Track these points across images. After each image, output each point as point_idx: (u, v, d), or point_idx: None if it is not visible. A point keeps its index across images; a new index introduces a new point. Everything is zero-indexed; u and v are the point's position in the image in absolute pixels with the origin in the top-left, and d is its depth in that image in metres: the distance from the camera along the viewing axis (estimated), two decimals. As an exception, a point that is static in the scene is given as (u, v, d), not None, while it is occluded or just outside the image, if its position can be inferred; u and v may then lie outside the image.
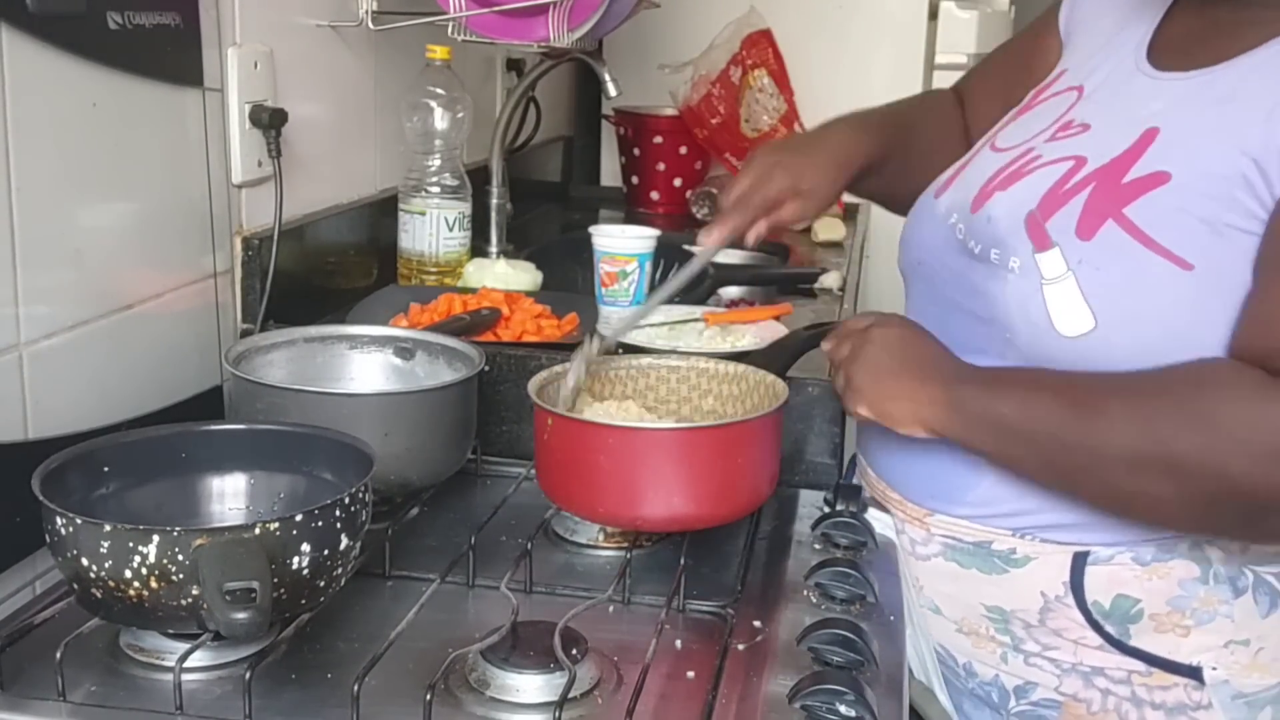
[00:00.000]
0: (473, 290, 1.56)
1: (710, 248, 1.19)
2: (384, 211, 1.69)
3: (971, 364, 1.03)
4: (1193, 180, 0.94)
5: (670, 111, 2.53)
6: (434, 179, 1.65)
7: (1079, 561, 1.01)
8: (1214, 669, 1.00)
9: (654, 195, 2.54)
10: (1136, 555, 1.00)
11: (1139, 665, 1.02)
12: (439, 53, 1.63)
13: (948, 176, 1.17)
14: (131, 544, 0.85)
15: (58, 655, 0.88)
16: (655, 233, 1.69)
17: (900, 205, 1.27)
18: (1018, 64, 1.27)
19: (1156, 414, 0.91)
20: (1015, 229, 1.00)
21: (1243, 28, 0.98)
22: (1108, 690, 1.03)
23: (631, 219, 2.38)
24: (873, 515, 1.22)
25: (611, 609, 1.05)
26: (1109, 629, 1.02)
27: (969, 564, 1.08)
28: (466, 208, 1.68)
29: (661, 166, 2.52)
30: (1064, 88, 1.12)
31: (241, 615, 0.81)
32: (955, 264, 1.08)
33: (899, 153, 1.27)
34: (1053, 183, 1.01)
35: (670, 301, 1.30)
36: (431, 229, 1.64)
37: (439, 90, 1.64)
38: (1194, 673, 1.01)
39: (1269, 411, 0.87)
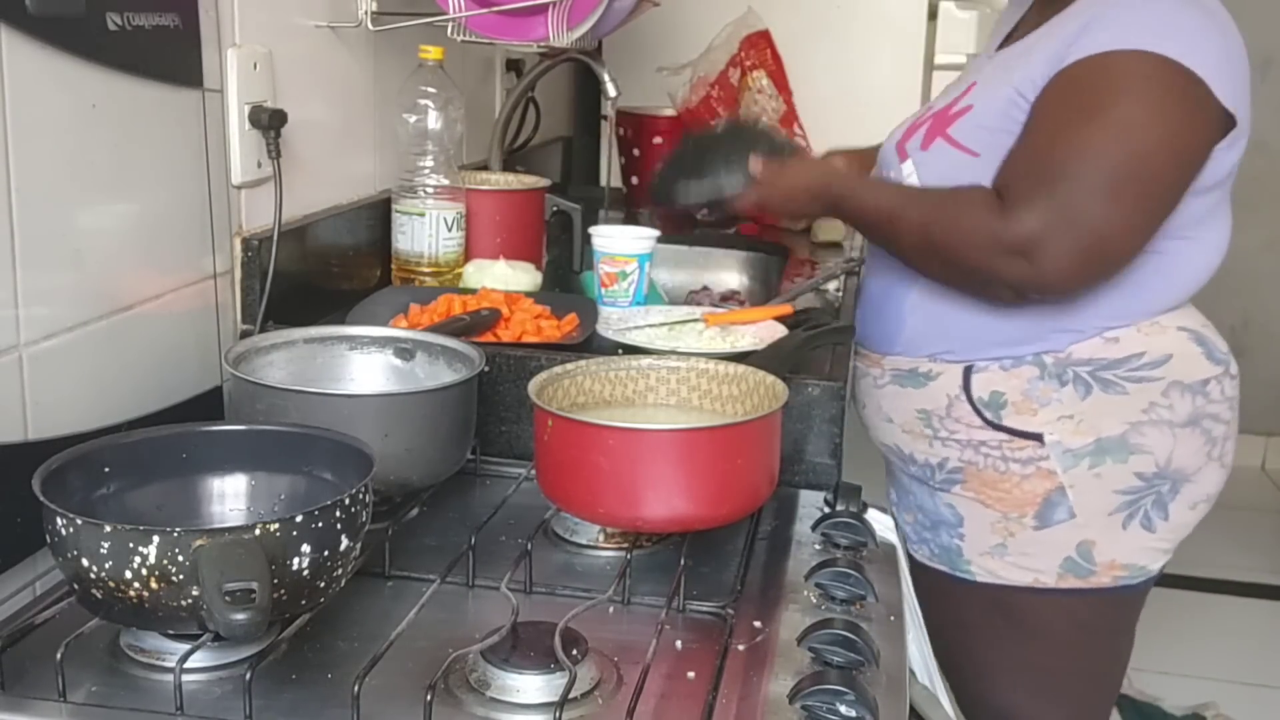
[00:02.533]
0: (472, 291, 1.56)
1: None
2: (384, 212, 1.69)
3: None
4: (985, 107, 1.45)
5: (670, 112, 2.53)
6: (428, 179, 1.65)
7: (967, 373, 1.51)
8: (1051, 434, 1.47)
9: (654, 196, 2.54)
10: (1000, 364, 1.48)
11: (1005, 436, 1.49)
12: (432, 53, 1.63)
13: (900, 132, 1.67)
14: (132, 544, 0.85)
15: (58, 656, 0.88)
16: (655, 233, 1.70)
17: None
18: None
19: (932, 210, 1.45)
20: (891, 152, 1.58)
21: (1048, 7, 1.49)
22: (987, 454, 1.51)
23: (631, 219, 2.37)
24: (873, 515, 1.22)
25: (611, 609, 1.06)
26: (987, 414, 1.50)
27: (906, 384, 1.57)
28: (463, 208, 1.68)
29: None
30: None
31: (241, 616, 0.81)
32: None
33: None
34: (912, 123, 1.58)
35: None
36: (431, 229, 1.64)
37: (432, 90, 1.63)
38: (1038, 438, 1.47)
39: (987, 217, 1.36)
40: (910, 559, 1.58)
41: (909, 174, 1.52)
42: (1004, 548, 1.52)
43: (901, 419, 1.58)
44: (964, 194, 1.41)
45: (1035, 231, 1.32)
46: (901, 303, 1.55)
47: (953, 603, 1.58)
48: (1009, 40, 1.59)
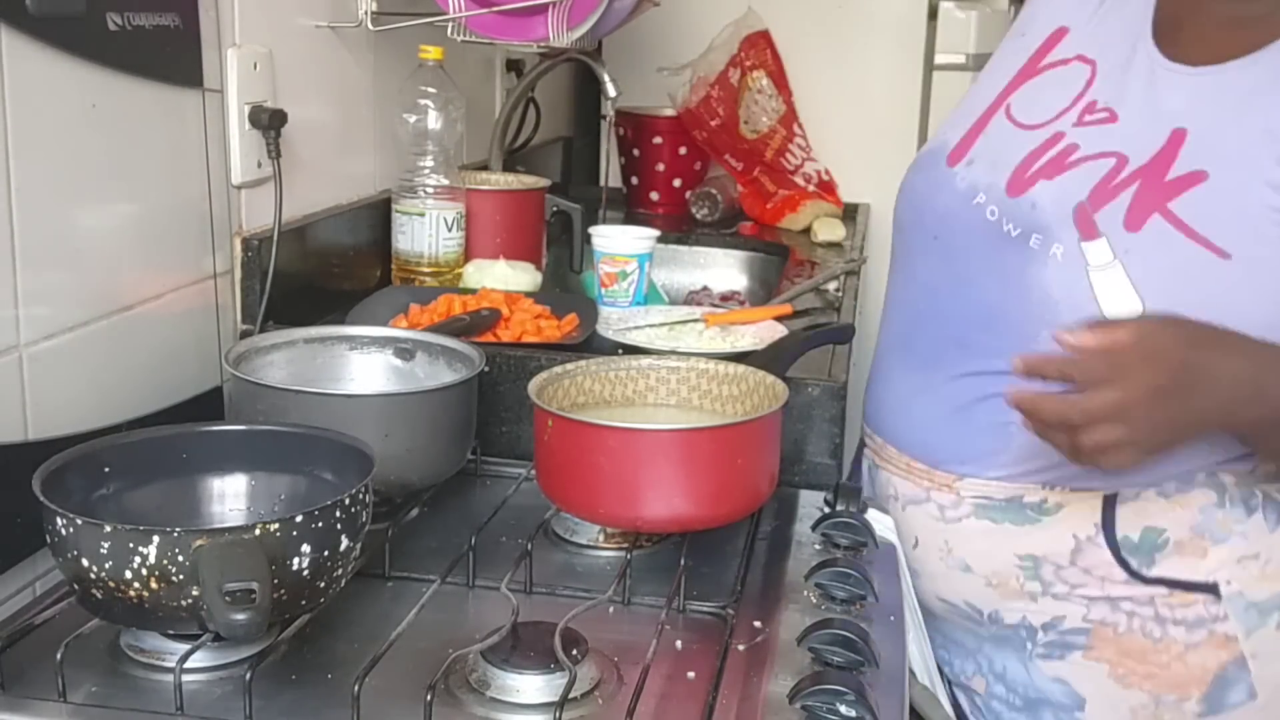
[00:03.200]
0: (472, 291, 1.56)
1: None
2: (384, 212, 1.69)
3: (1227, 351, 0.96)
4: (1228, 181, 1.01)
5: (670, 112, 2.53)
6: (428, 179, 1.65)
7: (1109, 502, 1.07)
8: (1229, 583, 1.07)
9: (654, 196, 2.54)
10: (1161, 490, 1.07)
11: (1161, 589, 1.09)
12: (432, 53, 1.63)
13: (958, 139, 1.20)
14: (132, 545, 0.85)
15: (58, 656, 0.88)
16: (655, 233, 1.70)
17: None
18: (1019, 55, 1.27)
19: None
20: (1063, 219, 1.06)
21: (1247, 22, 1.06)
22: (1133, 612, 1.09)
23: (631, 219, 2.38)
24: (873, 515, 1.22)
25: (612, 609, 1.05)
26: (1133, 563, 1.08)
27: (1001, 519, 1.12)
28: (463, 208, 1.68)
29: (661, 167, 2.52)
30: (1070, 56, 1.16)
31: (241, 616, 0.81)
32: (984, 243, 1.12)
33: None
34: (1100, 178, 1.07)
35: None
36: (431, 229, 1.64)
37: (432, 90, 1.63)
38: (1211, 589, 1.08)
39: None
40: None
41: (1103, 262, 1.03)
42: None
43: (989, 568, 1.14)
44: None
45: None
46: (1008, 407, 0.99)
47: None
48: (1165, 26, 1.11)
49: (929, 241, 1.19)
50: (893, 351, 1.25)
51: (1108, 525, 1.09)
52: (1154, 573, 1.09)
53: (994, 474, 1.13)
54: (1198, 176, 1.03)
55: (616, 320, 1.57)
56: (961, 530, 1.16)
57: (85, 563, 0.87)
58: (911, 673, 1.11)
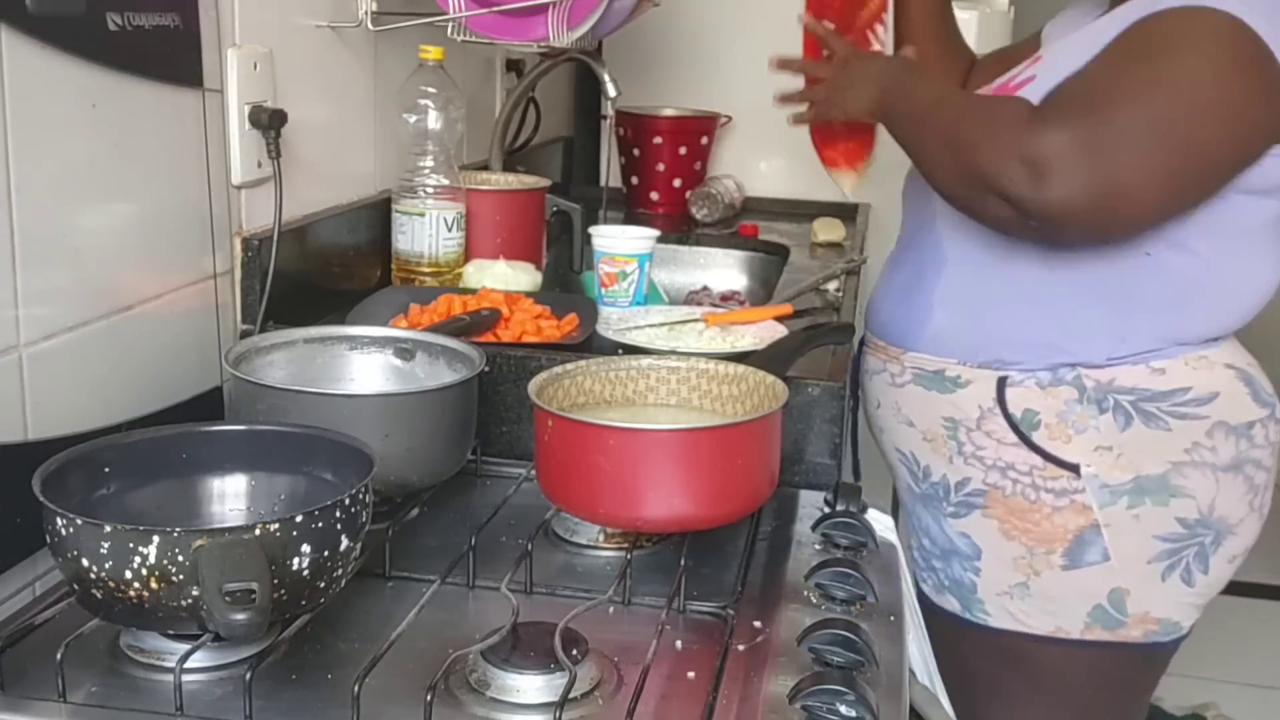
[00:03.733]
0: (472, 291, 1.56)
1: None
2: (384, 212, 1.69)
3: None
4: (1049, 78, 1.34)
5: (670, 112, 2.53)
6: (428, 179, 1.65)
7: (1001, 383, 1.40)
8: (1087, 466, 1.36)
9: (654, 196, 2.54)
10: (1038, 380, 1.38)
11: (1038, 460, 1.38)
12: (432, 53, 1.63)
13: None
14: (132, 545, 0.85)
15: (58, 656, 0.88)
16: (655, 233, 1.70)
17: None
18: (1007, 60, 1.61)
19: (969, 108, 1.36)
20: None
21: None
22: (1016, 479, 1.39)
23: (631, 219, 2.37)
24: (873, 515, 1.22)
25: (612, 610, 1.06)
26: (1021, 430, 1.38)
27: (930, 387, 1.45)
28: (463, 208, 1.68)
29: (661, 167, 2.52)
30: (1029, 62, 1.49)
31: (241, 616, 0.81)
32: (914, 173, 1.49)
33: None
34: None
35: None
36: (431, 229, 1.64)
37: (432, 90, 1.63)
38: (1073, 468, 1.37)
39: (1016, 122, 1.24)
40: (918, 593, 1.46)
41: None
42: (1025, 588, 1.40)
43: (925, 425, 1.45)
44: (1005, 101, 1.33)
45: (1055, 149, 1.19)
46: (930, 292, 1.44)
47: (958, 647, 1.44)
48: None
49: (908, 192, 1.57)
50: (884, 266, 1.59)
51: (1001, 400, 1.39)
52: (1035, 441, 1.38)
53: (922, 345, 1.45)
54: (1029, 80, 1.37)
55: (616, 320, 1.57)
56: (905, 393, 1.47)
57: (85, 563, 0.87)
58: (911, 673, 1.12)
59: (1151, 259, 1.32)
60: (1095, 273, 1.34)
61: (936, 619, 1.43)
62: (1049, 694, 1.44)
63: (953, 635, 1.44)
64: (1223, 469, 1.37)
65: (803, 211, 2.42)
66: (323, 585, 0.92)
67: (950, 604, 1.46)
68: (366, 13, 1.59)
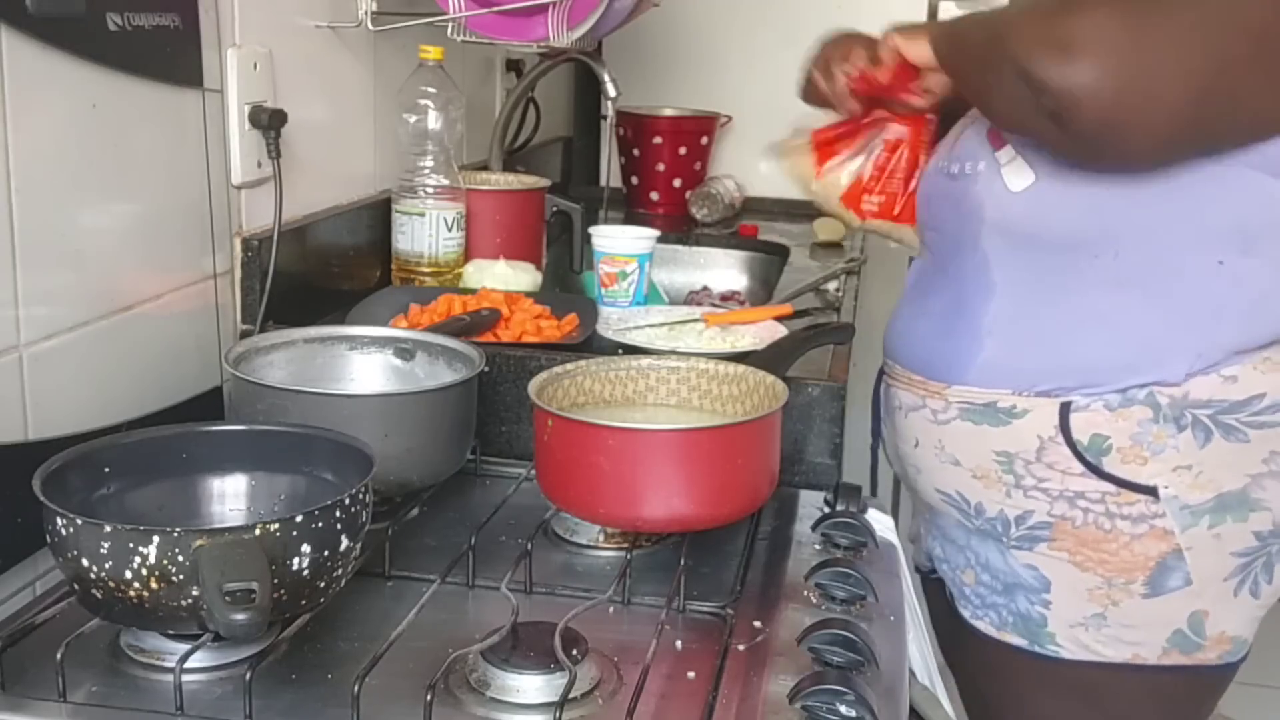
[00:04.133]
0: (472, 291, 1.56)
1: None
2: (384, 212, 1.69)
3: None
4: None
5: (670, 112, 2.53)
6: (428, 179, 1.65)
7: (1064, 410, 1.28)
8: (1166, 487, 1.27)
9: (654, 196, 2.54)
10: (1106, 403, 1.27)
11: (1110, 487, 1.28)
12: (432, 53, 1.63)
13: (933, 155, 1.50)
14: (132, 544, 0.85)
15: (58, 655, 0.88)
16: (655, 233, 1.70)
17: None
18: None
19: (1006, 31, 1.21)
20: (981, 141, 1.33)
21: None
22: (1087, 509, 1.30)
23: (631, 219, 2.38)
24: (873, 515, 1.22)
25: (611, 609, 1.05)
26: (1089, 459, 1.28)
27: (980, 421, 1.33)
28: (463, 208, 1.68)
29: (661, 167, 2.52)
30: None
31: (241, 616, 0.81)
32: (941, 193, 1.40)
33: None
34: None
35: None
36: (431, 229, 1.64)
37: (432, 90, 1.63)
38: (1151, 491, 1.27)
39: (1051, 5, 1.16)
40: (968, 629, 1.39)
41: (1009, 159, 1.30)
42: (1103, 618, 1.31)
43: (974, 462, 1.34)
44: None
45: (1087, 32, 1.11)
46: (977, 321, 1.31)
47: (1021, 682, 1.37)
48: None
49: (925, 226, 1.46)
50: (907, 291, 1.48)
51: (1064, 428, 1.29)
52: (1106, 469, 1.28)
53: (969, 378, 1.34)
54: None
55: (616, 320, 1.57)
56: (950, 430, 1.36)
57: (85, 563, 0.87)
58: (911, 673, 1.12)
59: (1225, 267, 1.23)
60: (1170, 288, 1.25)
61: (997, 655, 1.36)
62: None
63: (1016, 670, 1.37)
64: None
65: (803, 211, 2.42)
66: (323, 585, 0.92)
67: (1013, 640, 1.36)
68: (366, 13, 1.59)
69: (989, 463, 1.33)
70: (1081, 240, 1.25)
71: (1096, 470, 1.28)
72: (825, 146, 1.44)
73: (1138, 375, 1.26)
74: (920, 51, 1.35)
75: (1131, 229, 1.24)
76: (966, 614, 1.38)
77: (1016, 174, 1.27)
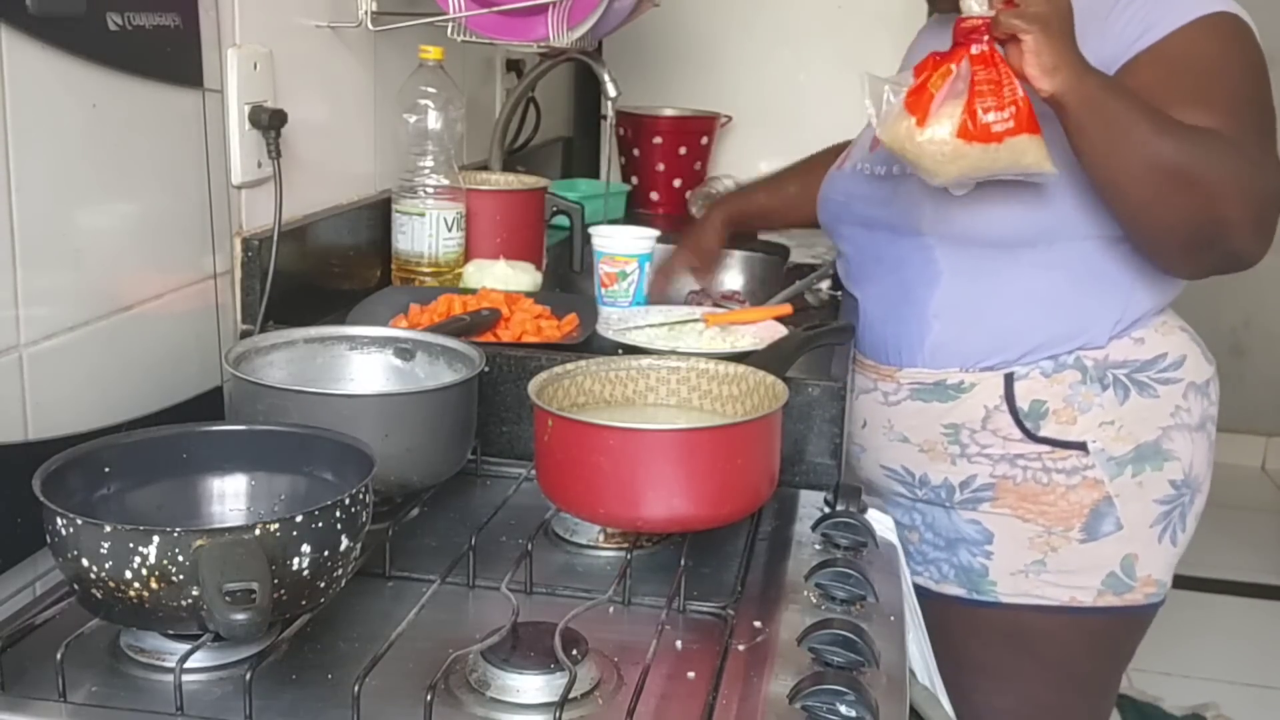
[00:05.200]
0: (472, 291, 1.56)
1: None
2: (384, 212, 1.69)
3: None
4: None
5: (670, 112, 2.53)
6: (428, 179, 1.65)
7: (1008, 380, 1.42)
8: (1094, 441, 1.41)
9: (654, 196, 2.55)
10: (1041, 369, 1.42)
11: (1045, 446, 1.42)
12: (432, 53, 1.63)
13: (841, 158, 1.62)
14: (132, 545, 0.85)
15: (58, 656, 0.88)
16: (655, 233, 1.70)
17: (799, 223, 1.86)
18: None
19: (1201, 145, 1.24)
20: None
21: None
22: (1026, 467, 1.43)
23: (631, 219, 2.38)
24: (873, 515, 1.22)
25: (612, 610, 1.06)
26: (1028, 425, 1.42)
27: (930, 399, 1.46)
28: (463, 208, 1.68)
29: (661, 167, 2.52)
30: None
31: (241, 616, 0.81)
32: (865, 193, 1.50)
33: (778, 204, 1.88)
34: None
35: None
36: (431, 229, 1.64)
37: (432, 90, 1.63)
38: (1081, 446, 1.42)
39: (1246, 165, 1.25)
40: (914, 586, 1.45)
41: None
42: (1042, 564, 1.44)
43: (921, 437, 1.47)
44: (1214, 136, 1.25)
45: (1275, 196, 1.25)
46: (923, 307, 1.44)
47: (956, 629, 1.47)
48: None
49: (836, 220, 1.59)
50: (850, 280, 1.58)
51: (1009, 397, 1.42)
52: (1041, 434, 1.42)
53: (919, 361, 1.46)
54: None
55: (616, 320, 1.57)
56: (900, 410, 1.48)
57: (85, 563, 0.87)
58: (911, 673, 1.12)
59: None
60: (1092, 267, 1.39)
61: (935, 606, 1.44)
62: (1054, 667, 1.48)
63: (954, 619, 1.47)
64: (1194, 429, 1.45)
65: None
66: (323, 585, 0.92)
67: (953, 590, 1.48)
68: (366, 13, 1.59)
69: (936, 436, 1.46)
70: (1020, 237, 1.38)
71: (1032, 435, 1.42)
72: (913, 100, 1.24)
73: (1068, 343, 1.41)
74: (1046, 83, 1.21)
75: (1065, 224, 1.36)
76: (912, 570, 1.45)
77: None
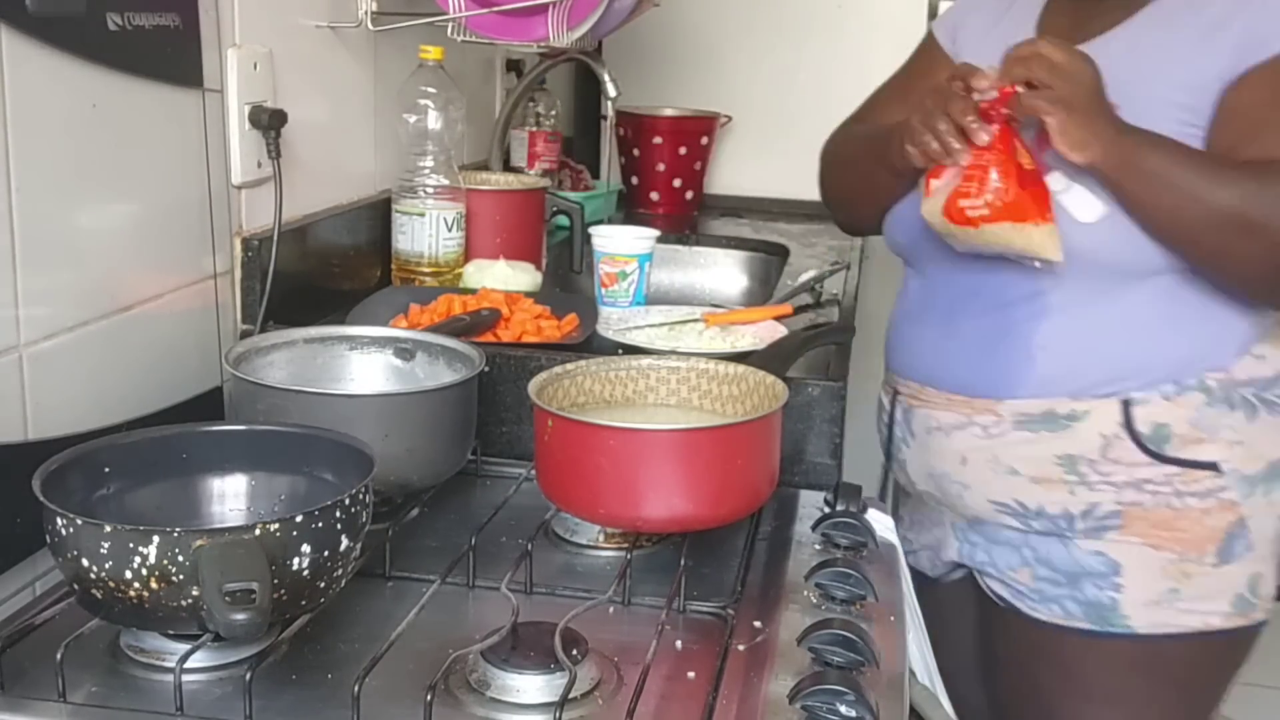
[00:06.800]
0: (472, 291, 1.56)
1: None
2: (384, 212, 1.69)
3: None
4: (1135, 104, 1.25)
5: (670, 112, 2.53)
6: (428, 179, 1.65)
7: (1126, 406, 1.34)
8: (1226, 461, 1.35)
9: (654, 196, 2.54)
10: (1163, 393, 1.34)
11: (1175, 469, 1.35)
12: (432, 53, 1.63)
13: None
14: (132, 545, 0.85)
15: (58, 656, 0.88)
16: (655, 233, 1.70)
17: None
18: (918, 85, 1.51)
19: (1262, 189, 1.23)
20: None
21: (1111, 8, 1.36)
22: (1155, 492, 1.35)
23: (631, 219, 2.37)
24: (873, 515, 1.22)
25: (612, 610, 1.06)
26: (1152, 448, 1.34)
27: (1038, 428, 1.37)
28: (463, 208, 1.68)
29: (661, 167, 2.52)
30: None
31: (241, 616, 0.81)
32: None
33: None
34: (1038, 130, 1.25)
35: None
36: (431, 229, 1.64)
37: (432, 90, 1.63)
38: (1213, 467, 1.35)
39: None
40: (1027, 622, 1.43)
41: (1062, 188, 1.28)
42: (1177, 593, 1.38)
43: (1033, 470, 1.38)
44: (1272, 168, 1.23)
45: None
46: (1028, 338, 1.35)
47: (1088, 664, 1.41)
48: (1050, 31, 1.40)
49: (915, 246, 1.45)
50: (914, 313, 1.49)
51: (1128, 424, 1.34)
52: (1169, 454, 1.35)
53: (1025, 393, 1.37)
54: (1114, 106, 1.25)
55: (616, 320, 1.57)
56: (1006, 441, 1.39)
57: (85, 563, 0.87)
58: (911, 673, 1.12)
59: None
60: (1209, 284, 1.33)
61: (1061, 642, 1.41)
62: (1189, 692, 1.44)
63: (1080, 652, 1.41)
64: None
65: (802, 211, 2.42)
66: (323, 585, 0.92)
67: (1081, 625, 1.41)
68: (366, 13, 1.59)
69: (1050, 467, 1.37)
70: (1151, 265, 1.30)
71: (1160, 456, 1.35)
72: (931, 172, 1.31)
73: (1192, 365, 1.34)
74: (1078, 157, 1.22)
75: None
76: (1024, 608, 1.42)
77: (1081, 204, 1.28)
